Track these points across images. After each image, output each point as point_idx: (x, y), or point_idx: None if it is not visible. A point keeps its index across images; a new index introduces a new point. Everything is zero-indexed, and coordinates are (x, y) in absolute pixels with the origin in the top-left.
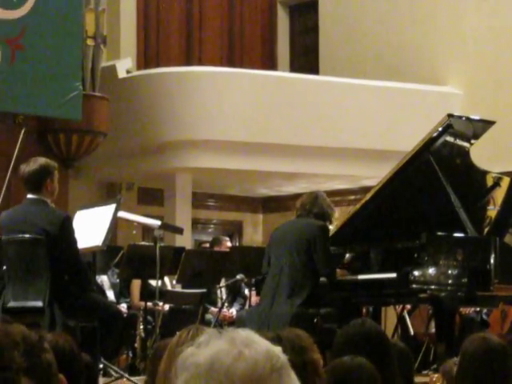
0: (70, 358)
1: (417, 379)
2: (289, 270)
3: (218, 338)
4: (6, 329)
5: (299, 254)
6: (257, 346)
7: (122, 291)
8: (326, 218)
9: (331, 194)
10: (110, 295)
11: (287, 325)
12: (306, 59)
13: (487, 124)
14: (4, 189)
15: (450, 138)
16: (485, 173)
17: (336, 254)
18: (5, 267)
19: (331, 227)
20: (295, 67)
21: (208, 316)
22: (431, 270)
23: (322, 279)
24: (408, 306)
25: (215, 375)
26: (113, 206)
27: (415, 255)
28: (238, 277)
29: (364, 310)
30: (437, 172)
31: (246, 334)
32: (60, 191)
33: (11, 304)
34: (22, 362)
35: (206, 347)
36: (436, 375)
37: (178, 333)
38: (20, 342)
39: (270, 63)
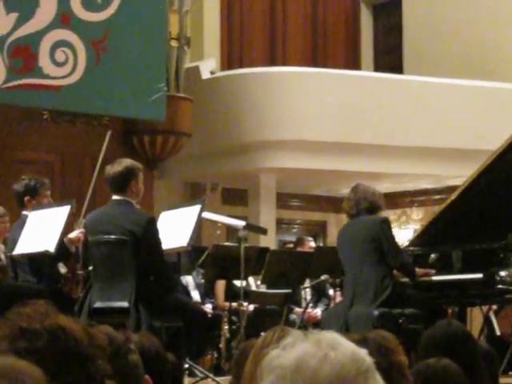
0: (155, 359)
1: (503, 381)
2: (366, 269)
3: (304, 340)
4: (91, 336)
5: (371, 254)
6: (342, 348)
7: (207, 292)
8: (377, 207)
9: (416, 193)
10: (195, 296)
11: (366, 326)
12: (390, 58)
13: None
14: (90, 190)
15: None
16: None
17: (421, 255)
18: (91, 268)
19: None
20: (379, 66)
21: (292, 316)
22: None
23: (405, 279)
24: (494, 307)
25: (301, 377)
26: (198, 207)
27: (501, 255)
28: (323, 277)
29: (449, 311)
30: None
31: (331, 336)
32: (145, 192)
33: (97, 305)
34: (107, 369)
35: (291, 349)
36: None
37: (263, 334)
38: (106, 348)
39: (354, 63)
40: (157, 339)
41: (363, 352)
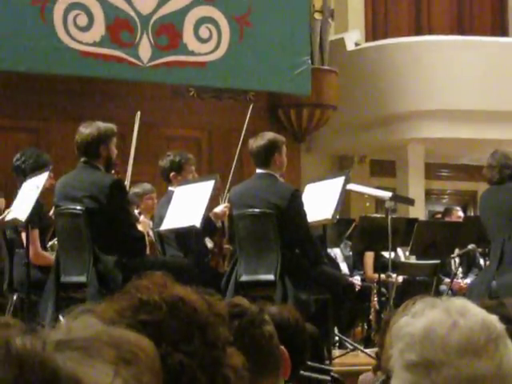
0: (293, 331)
1: None
2: None
3: (433, 308)
4: (210, 305)
5: None
6: (472, 315)
7: (356, 264)
8: None
9: None
10: (344, 268)
11: None
12: None
13: None
14: (234, 164)
15: None
16: None
17: None
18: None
19: None
20: None
21: (442, 287)
22: None
23: None
24: None
25: (430, 345)
26: (341, 179)
27: None
28: (470, 247)
29: None
30: None
31: (461, 303)
32: (292, 165)
33: (243, 278)
34: (228, 337)
35: (420, 317)
36: None
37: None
38: (225, 316)
39: (501, 30)
40: (296, 311)
41: (494, 318)
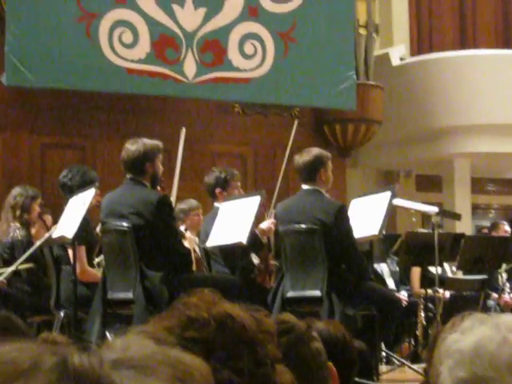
0: (341, 347)
1: None
2: None
3: (482, 324)
4: (258, 322)
5: None
6: None
7: (402, 279)
8: None
9: None
10: (390, 283)
11: None
12: None
13: None
14: (279, 180)
15: None
16: None
17: None
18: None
19: None
20: None
21: (490, 302)
22: None
23: None
24: None
25: (479, 362)
26: (388, 194)
27: None
28: None
29: None
30: None
31: (510, 319)
32: (338, 181)
33: (290, 294)
34: (277, 354)
35: (469, 334)
36: None
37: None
38: (274, 333)
39: None
40: (343, 327)
41: None
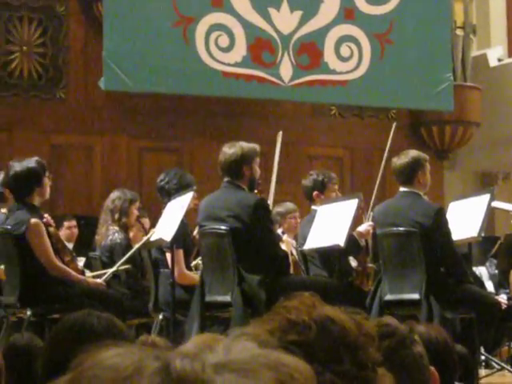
0: (442, 351)
1: None
2: None
3: None
4: (359, 325)
5: None
6: None
7: (501, 282)
8: None
9: None
10: (489, 286)
11: None
12: None
13: None
14: (377, 183)
15: None
16: None
17: None
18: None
19: None
20: None
21: None
22: None
23: None
24: None
25: None
26: (487, 197)
27: None
28: None
29: None
30: None
31: None
32: (435, 183)
33: (388, 297)
34: (378, 357)
35: None
36: None
37: None
38: (374, 336)
39: None
40: (444, 331)
41: None
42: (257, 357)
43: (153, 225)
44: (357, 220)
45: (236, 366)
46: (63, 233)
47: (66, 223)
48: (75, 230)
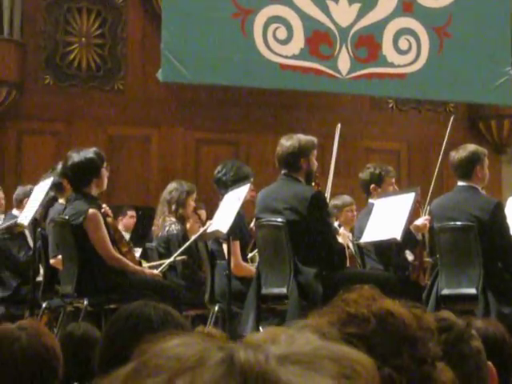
0: (500, 346)
1: None
2: None
3: None
4: (418, 319)
5: None
6: None
7: None
8: None
9: None
10: None
11: None
12: None
13: None
14: (435, 177)
15: None
16: None
17: None
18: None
19: None
20: None
21: None
22: None
23: None
24: None
25: None
26: None
27: None
28: None
29: None
30: None
31: None
32: (493, 177)
33: (445, 292)
34: (438, 352)
35: None
36: None
37: None
38: (434, 330)
39: None
40: (502, 326)
41: None
42: (320, 349)
43: (209, 216)
44: (414, 214)
45: (299, 358)
46: (124, 221)
47: (129, 212)
48: (134, 220)
